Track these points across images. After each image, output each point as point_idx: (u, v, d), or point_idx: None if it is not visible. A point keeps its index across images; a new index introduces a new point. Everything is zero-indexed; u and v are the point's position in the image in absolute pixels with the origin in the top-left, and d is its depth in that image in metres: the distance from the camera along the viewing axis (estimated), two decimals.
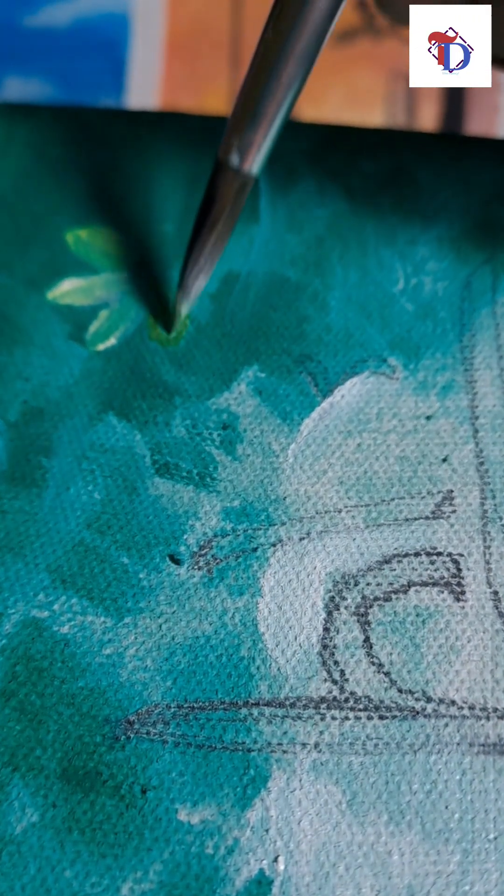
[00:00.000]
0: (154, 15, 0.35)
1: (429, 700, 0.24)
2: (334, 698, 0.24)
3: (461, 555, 0.26)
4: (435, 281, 0.31)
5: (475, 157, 0.33)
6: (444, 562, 0.26)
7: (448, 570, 0.26)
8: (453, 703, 0.24)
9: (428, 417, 0.28)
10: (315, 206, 0.32)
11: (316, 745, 0.24)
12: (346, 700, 0.24)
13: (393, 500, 0.27)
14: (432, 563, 0.26)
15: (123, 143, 0.34)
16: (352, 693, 0.24)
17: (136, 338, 0.30)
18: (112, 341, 0.30)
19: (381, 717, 0.24)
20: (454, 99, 0.40)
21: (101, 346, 0.30)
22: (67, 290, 0.31)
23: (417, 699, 0.24)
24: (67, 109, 0.35)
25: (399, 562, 0.26)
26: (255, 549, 0.26)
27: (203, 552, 0.26)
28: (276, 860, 0.22)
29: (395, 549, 0.26)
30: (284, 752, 0.24)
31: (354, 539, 0.26)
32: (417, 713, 0.24)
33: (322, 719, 0.24)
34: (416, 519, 0.27)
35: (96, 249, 0.32)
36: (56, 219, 0.32)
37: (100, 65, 0.35)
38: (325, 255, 0.31)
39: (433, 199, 0.32)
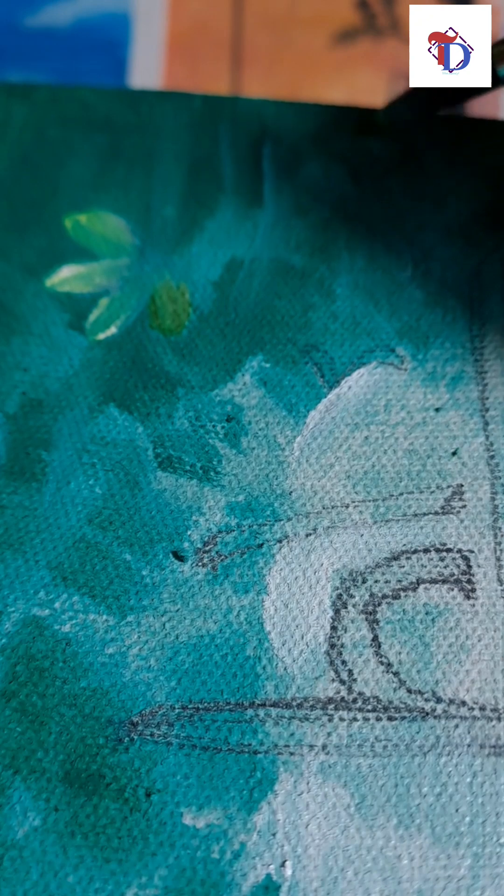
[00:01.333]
0: (155, 15, 0.35)
1: (438, 700, 0.24)
2: (342, 699, 0.24)
3: (471, 551, 0.25)
4: (444, 268, 0.30)
5: (485, 139, 0.32)
6: (453, 558, 0.25)
7: (458, 566, 0.25)
8: (464, 703, 0.24)
9: (437, 409, 0.27)
10: (321, 190, 0.31)
11: (324, 746, 0.23)
12: (355, 700, 0.24)
13: (401, 494, 0.26)
14: (442, 559, 0.25)
15: (124, 125, 0.33)
16: (360, 693, 0.24)
17: (138, 327, 0.29)
18: (112, 330, 0.29)
19: (389, 718, 0.23)
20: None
21: (101, 336, 0.29)
22: (66, 277, 0.30)
23: (427, 700, 0.24)
24: (66, 89, 0.34)
25: (408, 558, 0.25)
26: (260, 546, 0.26)
27: (207, 548, 0.26)
28: (283, 865, 0.22)
29: (404, 545, 0.26)
30: (291, 753, 0.23)
31: (362, 535, 0.26)
32: (427, 714, 0.24)
33: (330, 720, 0.23)
34: (425, 514, 0.26)
35: (96, 235, 0.31)
36: (54, 203, 0.31)
37: (101, 65, 0.35)
38: (332, 240, 0.31)
39: (442, 183, 0.31)
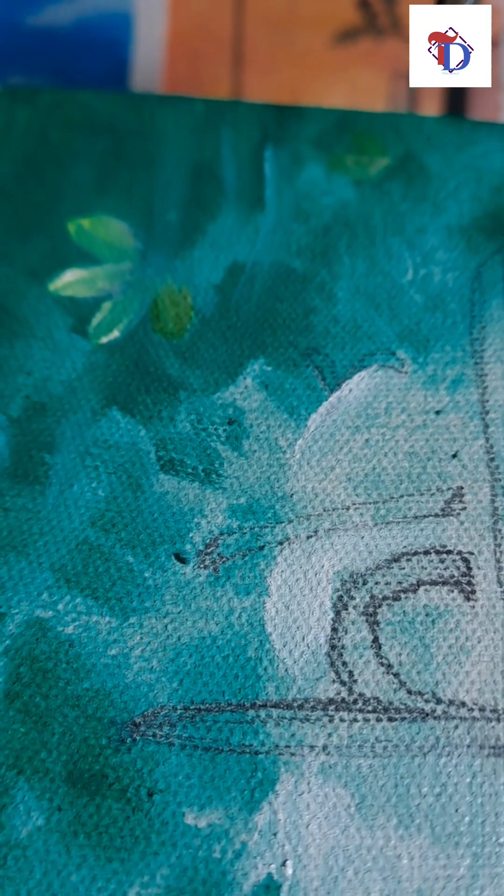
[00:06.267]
0: (156, 14, 0.35)
1: (438, 701, 0.24)
2: (343, 700, 0.24)
3: (471, 553, 0.26)
4: (444, 271, 0.30)
5: (486, 142, 0.32)
6: (453, 560, 0.26)
7: (458, 568, 0.25)
8: (463, 704, 0.24)
9: (437, 412, 0.28)
10: (322, 194, 0.32)
11: (324, 747, 0.23)
12: (355, 702, 0.24)
13: (402, 496, 0.26)
14: (442, 561, 0.26)
15: (127, 129, 0.33)
16: (360, 694, 0.24)
17: (140, 330, 0.29)
18: (115, 334, 0.29)
19: (390, 719, 0.24)
20: (456, 99, 0.39)
21: (104, 339, 0.29)
22: (69, 281, 0.30)
23: (427, 701, 0.24)
24: (69, 93, 0.34)
25: (408, 560, 0.26)
26: (261, 548, 0.26)
27: (209, 550, 0.26)
28: (284, 864, 0.22)
29: (404, 547, 0.26)
30: (292, 754, 0.23)
31: (363, 537, 0.26)
32: (427, 715, 0.24)
33: (330, 721, 0.24)
34: (425, 516, 0.26)
35: (99, 239, 0.31)
36: (58, 207, 0.32)
37: (102, 64, 0.35)
38: (332, 245, 0.31)
39: (443, 187, 0.31)
